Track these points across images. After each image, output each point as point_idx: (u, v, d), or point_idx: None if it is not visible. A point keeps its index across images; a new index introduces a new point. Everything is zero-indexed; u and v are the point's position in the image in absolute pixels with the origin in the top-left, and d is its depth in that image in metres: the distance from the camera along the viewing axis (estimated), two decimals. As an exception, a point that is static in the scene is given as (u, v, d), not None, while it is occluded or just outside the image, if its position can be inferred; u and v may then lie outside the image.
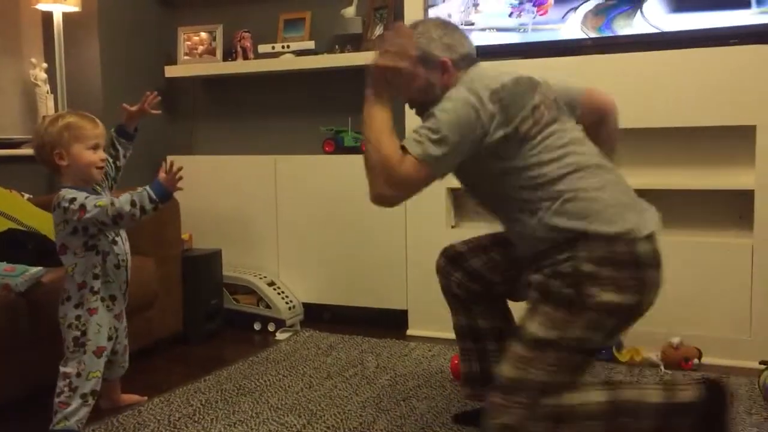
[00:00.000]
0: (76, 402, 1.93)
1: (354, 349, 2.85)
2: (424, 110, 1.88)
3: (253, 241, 3.43)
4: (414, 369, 2.60)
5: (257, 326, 3.23)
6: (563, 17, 2.72)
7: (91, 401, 1.96)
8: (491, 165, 1.76)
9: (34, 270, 2.19)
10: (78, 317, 1.98)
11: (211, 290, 3.16)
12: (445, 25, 1.88)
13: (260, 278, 3.29)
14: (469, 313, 2.07)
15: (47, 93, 3.36)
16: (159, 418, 2.16)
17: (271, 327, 3.19)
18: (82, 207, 1.90)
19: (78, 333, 1.97)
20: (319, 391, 2.37)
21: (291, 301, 3.25)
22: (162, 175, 1.92)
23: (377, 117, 1.73)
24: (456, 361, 2.35)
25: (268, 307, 3.21)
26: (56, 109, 3.33)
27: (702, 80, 2.62)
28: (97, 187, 2.05)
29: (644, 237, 1.67)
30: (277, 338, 3.09)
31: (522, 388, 1.63)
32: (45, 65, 3.38)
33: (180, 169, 1.95)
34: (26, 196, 2.91)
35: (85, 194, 1.95)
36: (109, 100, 3.47)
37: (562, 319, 1.64)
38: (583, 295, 1.63)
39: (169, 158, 1.98)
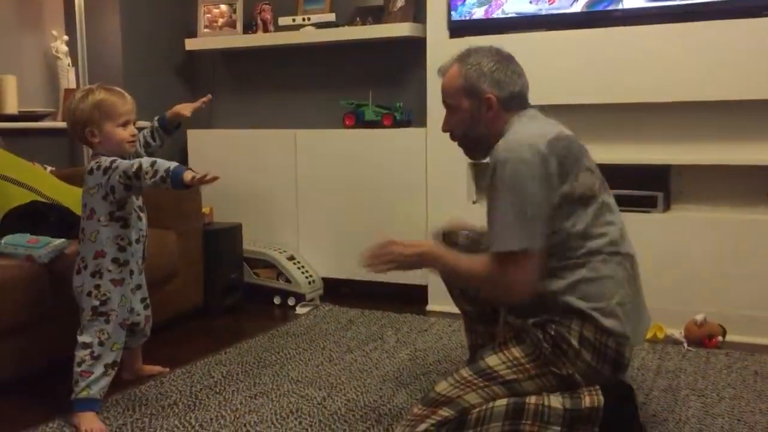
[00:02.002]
0: (98, 370, 1.94)
1: (373, 324, 2.85)
2: (467, 145, 1.85)
3: (273, 215, 3.43)
4: (434, 344, 2.60)
5: (277, 300, 3.24)
6: (570, 4, 2.81)
7: (111, 372, 1.97)
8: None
9: (58, 242, 2.21)
10: (97, 286, 1.97)
11: (232, 264, 3.17)
12: (499, 58, 1.78)
13: (280, 252, 3.29)
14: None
15: (68, 66, 3.36)
16: (181, 389, 2.18)
17: (290, 301, 3.20)
18: (119, 165, 1.90)
19: (97, 302, 1.97)
20: (339, 365, 2.38)
21: (311, 276, 3.26)
22: (191, 172, 1.84)
23: (444, 261, 1.73)
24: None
25: (288, 281, 3.22)
26: (77, 82, 3.33)
27: (727, 53, 2.55)
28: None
29: (633, 346, 1.70)
30: (296, 312, 3.10)
31: (449, 405, 1.64)
32: (66, 38, 3.38)
33: (207, 181, 1.82)
34: (49, 168, 2.92)
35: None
36: (129, 73, 3.47)
37: (525, 369, 1.66)
38: (558, 361, 1.65)
39: (210, 175, 1.83)
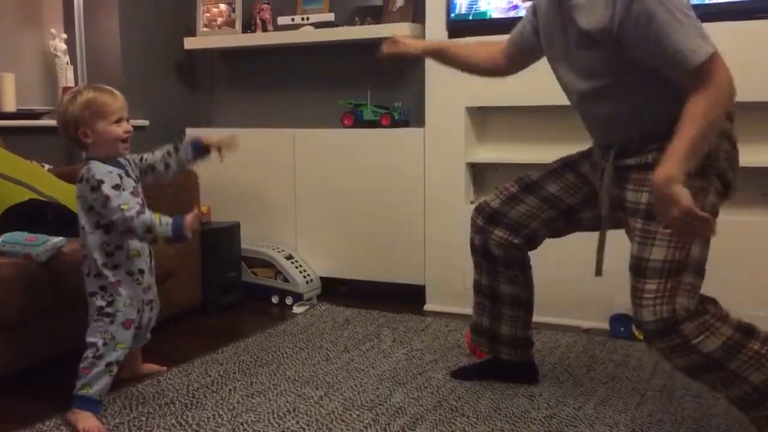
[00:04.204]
0: (99, 368, 1.93)
1: (371, 324, 2.86)
2: None
3: (272, 214, 3.44)
4: (430, 344, 2.60)
5: (275, 299, 3.24)
6: None
7: (114, 370, 1.97)
8: None
9: (56, 240, 2.21)
10: (102, 287, 1.98)
11: (230, 263, 3.17)
12: None
13: (278, 252, 3.29)
14: (495, 277, 2.08)
15: (67, 64, 3.36)
16: (178, 387, 2.18)
17: (288, 300, 3.20)
18: (107, 199, 1.88)
19: (103, 303, 1.97)
20: (336, 364, 2.38)
21: (308, 275, 3.26)
22: (189, 218, 1.88)
23: (688, 154, 1.53)
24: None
25: (285, 280, 3.22)
26: (76, 80, 3.33)
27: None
28: (123, 161, 2.00)
29: None
30: (294, 311, 3.11)
31: (684, 268, 1.60)
32: (65, 36, 3.38)
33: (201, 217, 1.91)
34: (47, 166, 2.92)
35: (114, 178, 1.91)
36: (128, 72, 3.47)
37: (699, 187, 1.61)
38: (711, 162, 1.64)
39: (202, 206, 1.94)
